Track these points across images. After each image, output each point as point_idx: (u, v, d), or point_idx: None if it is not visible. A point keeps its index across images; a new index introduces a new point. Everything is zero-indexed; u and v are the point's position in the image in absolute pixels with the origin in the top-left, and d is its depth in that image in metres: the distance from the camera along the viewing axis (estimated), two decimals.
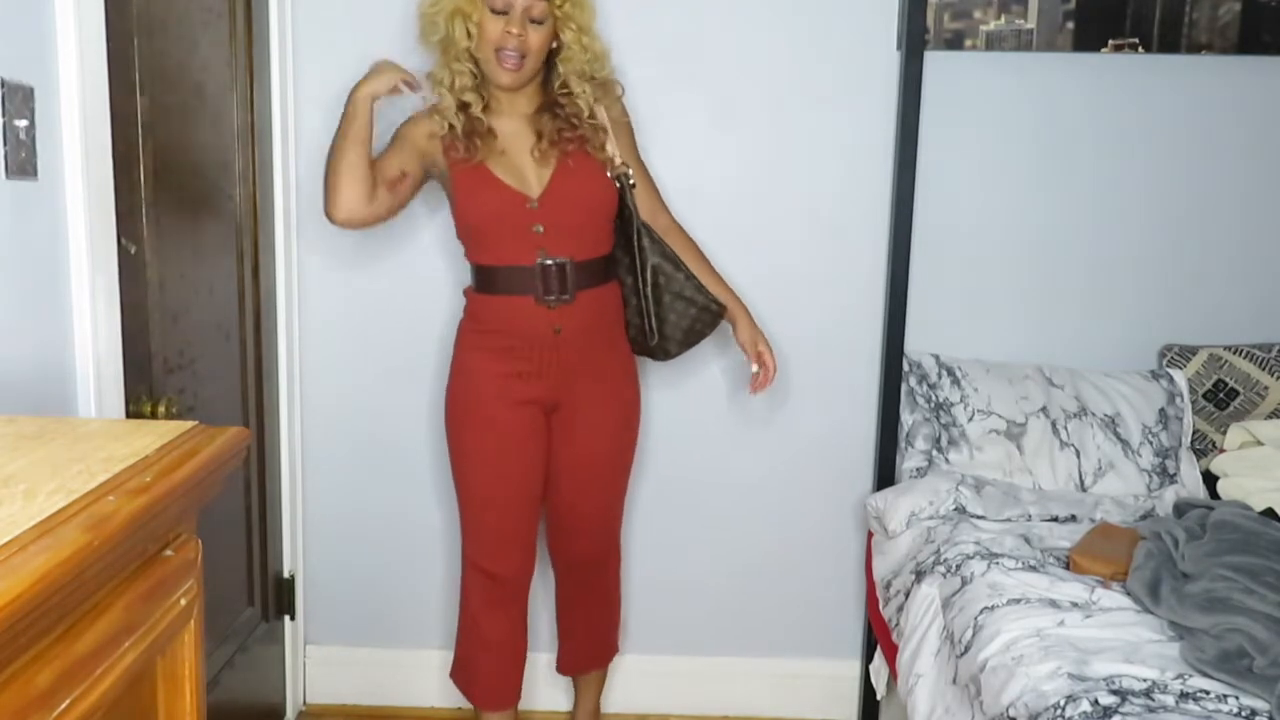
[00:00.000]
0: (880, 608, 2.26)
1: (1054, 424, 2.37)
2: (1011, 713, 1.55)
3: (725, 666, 2.64)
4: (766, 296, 2.45)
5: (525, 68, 2.02)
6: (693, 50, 2.42)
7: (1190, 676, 1.53)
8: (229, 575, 2.24)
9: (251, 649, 2.34)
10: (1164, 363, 2.50)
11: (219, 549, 2.12)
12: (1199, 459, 2.43)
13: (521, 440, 2.11)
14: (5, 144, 1.41)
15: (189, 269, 1.99)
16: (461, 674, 2.29)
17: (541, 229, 2.03)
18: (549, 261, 2.02)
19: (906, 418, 2.44)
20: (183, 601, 1.01)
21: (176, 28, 1.91)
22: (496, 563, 2.16)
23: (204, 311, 2.07)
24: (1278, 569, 1.72)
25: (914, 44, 2.32)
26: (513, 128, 2.08)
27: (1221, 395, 2.45)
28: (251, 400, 2.30)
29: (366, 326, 2.51)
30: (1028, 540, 2.03)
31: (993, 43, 2.40)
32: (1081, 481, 2.35)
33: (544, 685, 2.54)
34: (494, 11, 1.98)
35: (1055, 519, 2.17)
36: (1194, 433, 2.45)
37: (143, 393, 1.78)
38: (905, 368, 2.44)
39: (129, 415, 1.72)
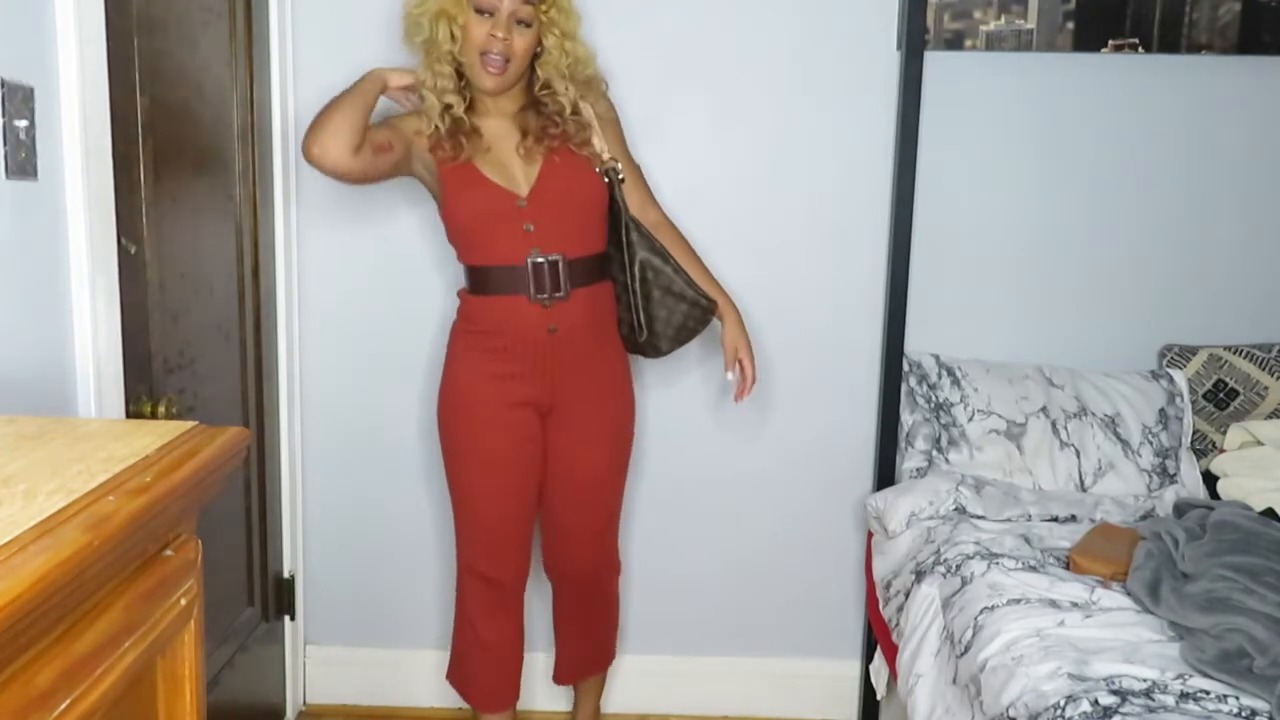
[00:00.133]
0: (880, 608, 2.26)
1: (1054, 424, 2.38)
2: (1011, 713, 1.55)
3: (725, 666, 2.64)
4: (766, 296, 2.46)
5: (509, 72, 2.01)
6: (693, 50, 2.42)
7: (1190, 676, 1.53)
8: (229, 575, 2.24)
9: (251, 649, 2.34)
10: (1164, 363, 2.50)
11: (219, 549, 2.12)
12: (1199, 459, 2.43)
13: (516, 443, 2.10)
14: (5, 144, 1.41)
15: (189, 269, 1.99)
16: (458, 675, 2.28)
17: (532, 227, 2.02)
18: (540, 259, 2.02)
19: (906, 418, 2.44)
20: (183, 601, 1.01)
21: (176, 28, 1.91)
22: (492, 567, 2.16)
23: (204, 311, 2.07)
24: (1278, 569, 1.72)
25: (914, 44, 2.32)
26: (498, 127, 2.07)
27: (1221, 395, 2.45)
28: (251, 400, 2.30)
29: (367, 326, 2.51)
30: (1028, 540, 2.03)
31: (993, 43, 2.40)
32: (1081, 481, 2.35)
33: (543, 686, 2.54)
34: (479, 13, 1.97)
35: (1055, 519, 2.17)
36: (1194, 433, 2.45)
37: (143, 393, 1.78)
38: (905, 368, 2.44)
39: (129, 415, 1.72)
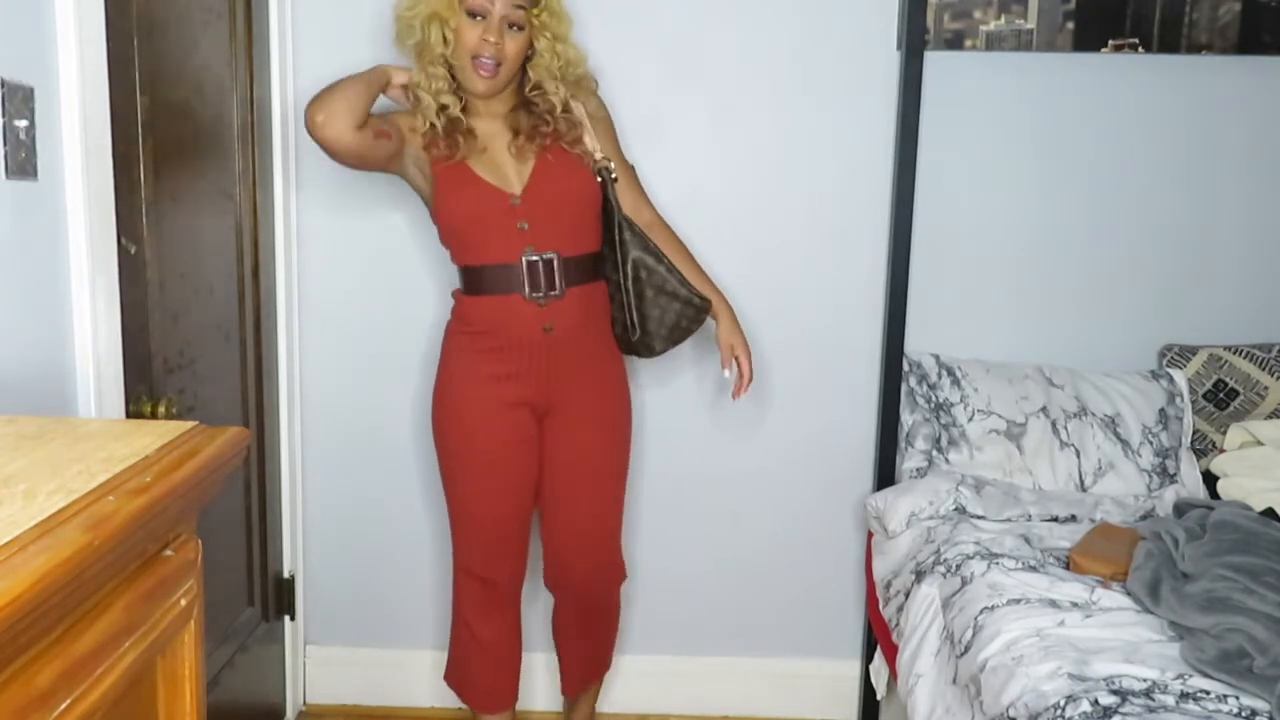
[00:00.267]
0: (880, 608, 2.26)
1: (1054, 424, 2.38)
2: (1011, 713, 1.55)
3: (725, 666, 2.64)
4: (766, 296, 2.46)
5: (501, 75, 2.01)
6: (693, 50, 2.42)
7: (1190, 676, 1.53)
8: (229, 575, 2.24)
9: (251, 649, 2.34)
10: (1164, 363, 2.50)
11: (219, 549, 2.12)
12: (1199, 459, 2.43)
13: (511, 444, 2.09)
14: (5, 144, 1.41)
15: (189, 269, 1.99)
16: (456, 676, 2.28)
17: (526, 225, 2.02)
18: (535, 257, 2.01)
19: (906, 418, 2.44)
20: (183, 601, 1.01)
21: (176, 28, 1.91)
22: (487, 567, 2.15)
23: (204, 311, 2.07)
24: (1278, 569, 1.72)
25: (914, 44, 2.32)
26: (489, 127, 2.07)
27: (1221, 395, 2.45)
28: (251, 400, 2.30)
29: (367, 326, 2.51)
30: (1028, 540, 2.03)
31: (993, 43, 2.40)
32: (1081, 481, 2.35)
33: (542, 686, 2.54)
34: (471, 16, 1.97)
35: (1055, 519, 2.17)
36: (1194, 433, 2.45)
37: (143, 393, 1.78)
38: (905, 368, 2.44)
39: (129, 415, 1.72)
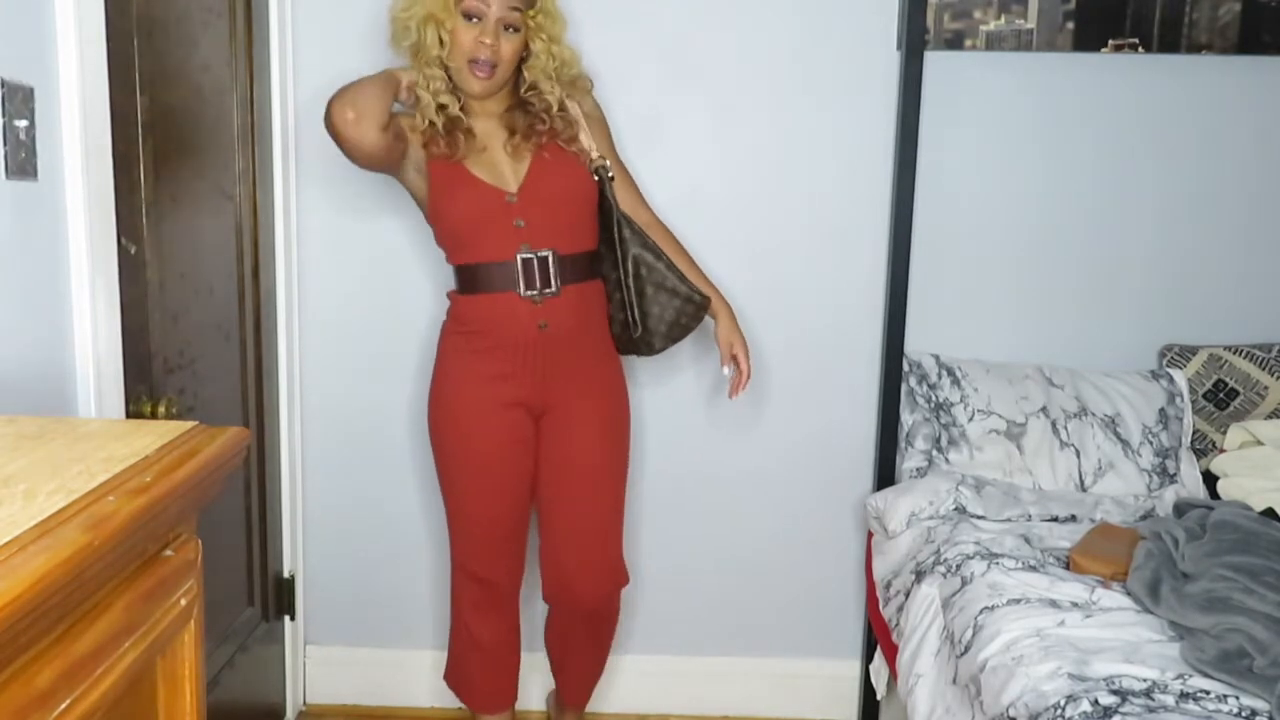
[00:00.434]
0: (880, 608, 2.26)
1: (1054, 424, 2.38)
2: (1011, 713, 1.55)
3: (725, 666, 2.64)
4: (766, 296, 2.46)
5: (496, 77, 2.01)
6: (692, 50, 2.42)
7: (1190, 676, 1.53)
8: (229, 575, 2.24)
9: (251, 649, 2.34)
10: (1164, 363, 2.50)
11: (219, 549, 2.12)
12: (1199, 459, 2.43)
13: (506, 445, 2.08)
14: (5, 144, 1.41)
15: (189, 269, 1.99)
16: (455, 677, 2.28)
17: (522, 223, 2.02)
18: (530, 255, 2.01)
19: (906, 418, 2.44)
20: (183, 601, 1.01)
21: (176, 28, 1.91)
22: (484, 568, 2.15)
23: (204, 311, 2.07)
24: (1278, 569, 1.72)
25: (914, 44, 2.32)
26: (485, 127, 2.07)
27: (1221, 395, 2.45)
28: (251, 400, 2.30)
29: (367, 326, 2.51)
30: (1028, 540, 2.03)
31: (993, 43, 2.40)
32: (1081, 481, 2.35)
33: (541, 686, 2.54)
34: (467, 18, 1.97)
35: (1055, 519, 2.17)
36: (1194, 433, 2.45)
37: (143, 393, 1.78)
38: (905, 368, 2.44)
39: (129, 415, 1.72)
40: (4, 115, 1.40)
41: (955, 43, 2.40)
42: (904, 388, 2.44)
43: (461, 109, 2.05)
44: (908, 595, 2.08)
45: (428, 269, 2.44)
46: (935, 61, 2.39)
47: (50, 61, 1.52)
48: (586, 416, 2.12)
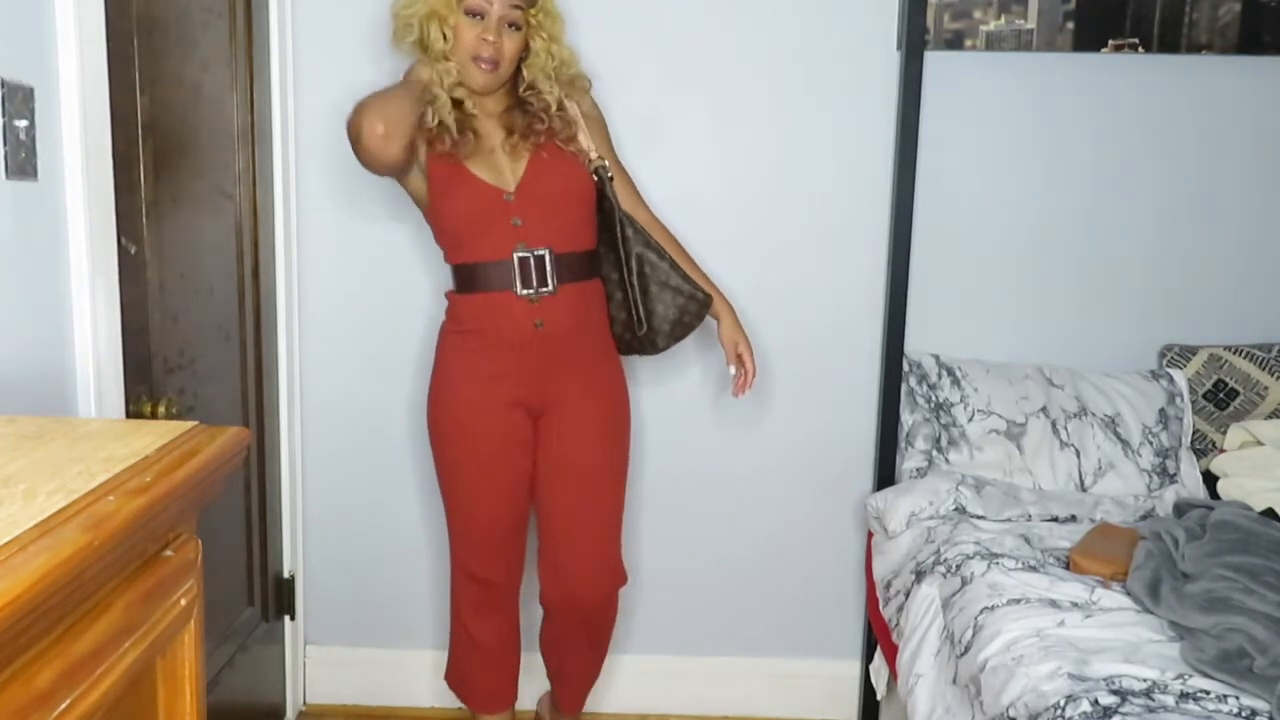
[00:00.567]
0: (880, 608, 2.26)
1: (1054, 424, 2.38)
2: (1011, 713, 1.55)
3: (725, 666, 2.64)
4: (766, 296, 2.46)
5: (499, 73, 2.02)
6: (692, 50, 2.42)
7: (1190, 676, 1.53)
8: (229, 575, 2.24)
9: (251, 649, 2.34)
10: (1164, 363, 2.50)
11: (219, 549, 2.12)
12: (1199, 459, 2.43)
13: (504, 445, 2.08)
14: (5, 144, 1.41)
15: (189, 269, 1.99)
16: (455, 677, 2.28)
17: (520, 222, 2.02)
18: (526, 253, 2.01)
19: (906, 418, 2.44)
20: (183, 601, 1.01)
21: (176, 28, 1.91)
22: (484, 568, 2.15)
23: (204, 311, 2.07)
24: (1278, 569, 1.72)
25: (914, 44, 2.32)
26: (484, 126, 2.07)
27: (1221, 395, 2.45)
28: (251, 400, 2.30)
29: (367, 326, 2.51)
30: (1028, 540, 2.03)
31: (993, 43, 2.40)
32: (1081, 481, 2.35)
33: (541, 686, 2.53)
34: (469, 15, 1.98)
35: (1055, 519, 2.17)
36: (1194, 433, 2.45)
37: (143, 393, 1.78)
38: (905, 368, 2.44)
39: (129, 415, 1.72)
40: (4, 115, 1.40)
41: (955, 43, 2.40)
42: (904, 388, 2.44)
43: (458, 108, 2.05)
44: (908, 595, 2.08)
45: (428, 269, 2.44)
46: (935, 61, 2.39)
47: (50, 61, 1.52)
48: (586, 417, 2.12)
